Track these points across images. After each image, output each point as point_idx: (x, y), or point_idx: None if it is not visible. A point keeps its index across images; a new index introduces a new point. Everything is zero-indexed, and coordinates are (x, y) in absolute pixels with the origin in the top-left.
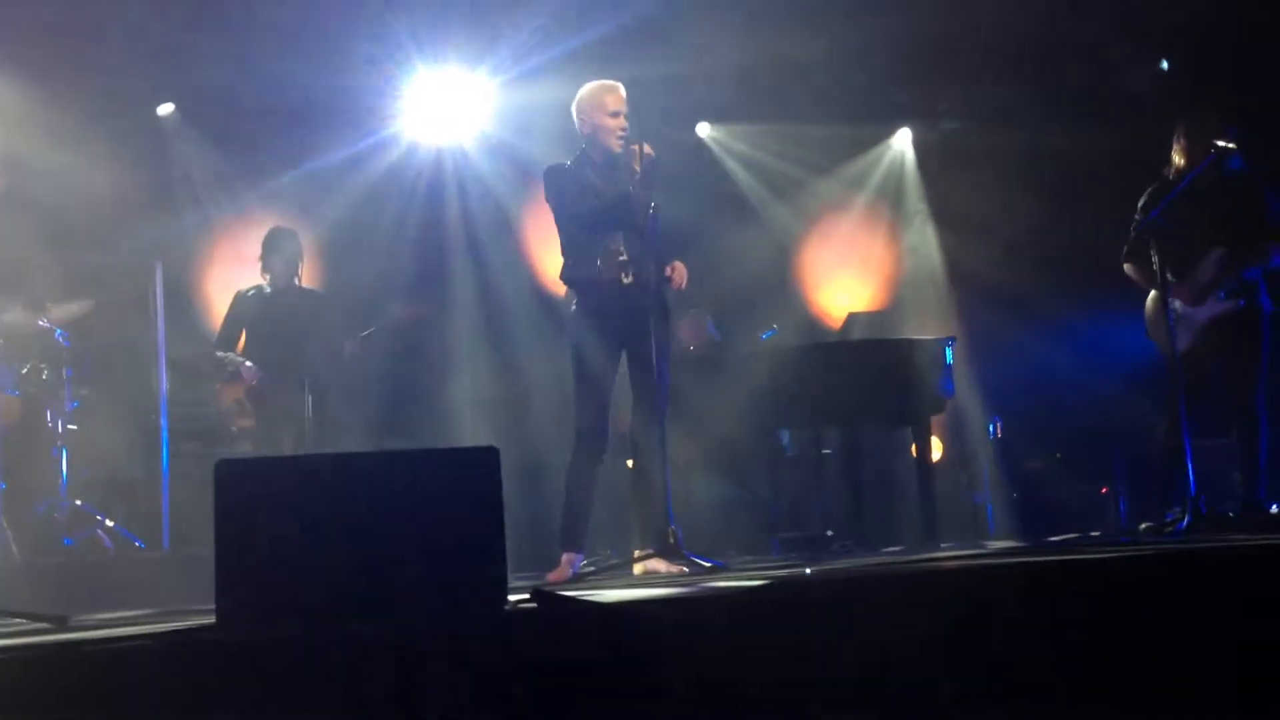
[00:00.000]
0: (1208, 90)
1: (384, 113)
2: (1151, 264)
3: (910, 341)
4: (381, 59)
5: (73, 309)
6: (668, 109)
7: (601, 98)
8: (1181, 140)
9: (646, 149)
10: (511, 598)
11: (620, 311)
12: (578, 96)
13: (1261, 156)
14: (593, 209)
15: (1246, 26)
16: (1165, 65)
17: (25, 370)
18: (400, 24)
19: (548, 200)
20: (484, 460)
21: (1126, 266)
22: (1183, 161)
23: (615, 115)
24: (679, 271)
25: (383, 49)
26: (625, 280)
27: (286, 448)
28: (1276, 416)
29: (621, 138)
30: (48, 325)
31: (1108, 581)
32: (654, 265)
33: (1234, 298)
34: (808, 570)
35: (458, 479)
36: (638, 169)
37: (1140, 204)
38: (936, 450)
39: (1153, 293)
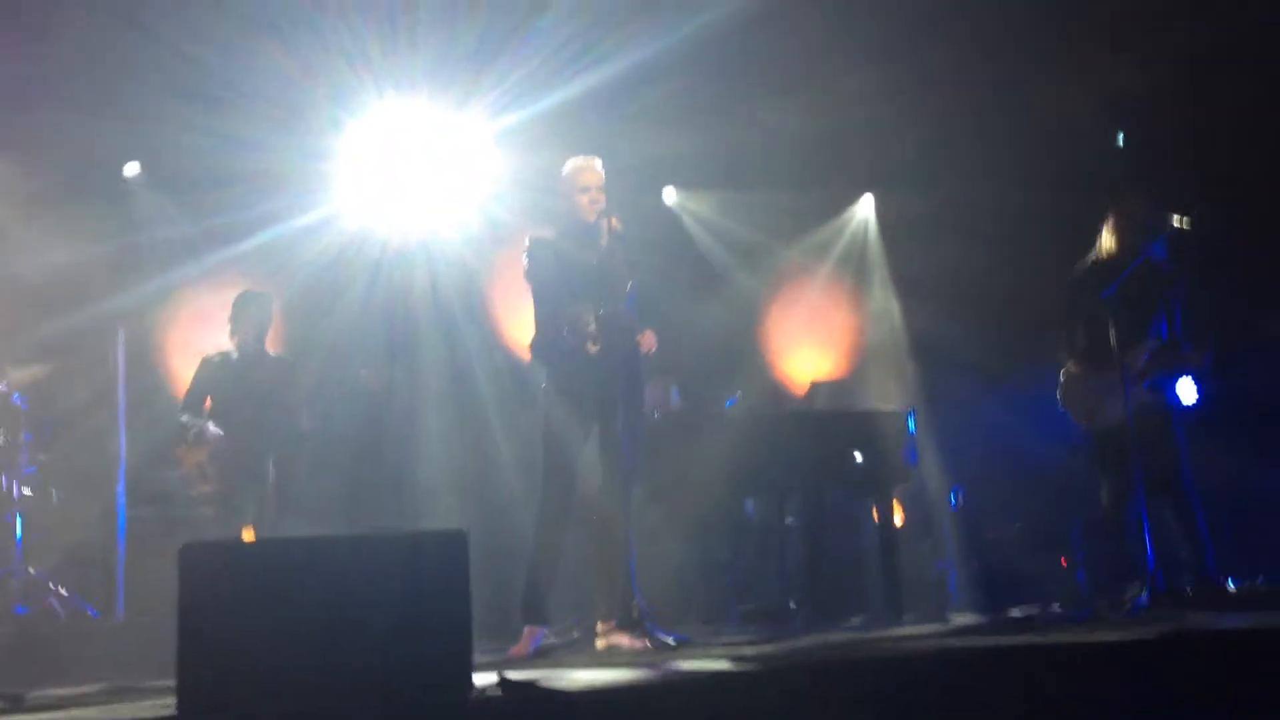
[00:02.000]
0: (1146, 173)
1: (346, 183)
2: (1097, 339)
3: (873, 412)
4: (345, 119)
5: (31, 372)
6: (635, 174)
7: (576, 175)
8: (1114, 221)
9: (614, 223)
10: (477, 679)
11: (590, 383)
12: (561, 174)
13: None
14: (562, 278)
15: (1201, 102)
16: (1120, 138)
17: None
18: (366, 88)
19: (528, 272)
20: (452, 545)
21: (1060, 337)
22: (1114, 244)
23: (585, 190)
24: (648, 338)
25: (349, 111)
26: (592, 349)
27: (248, 515)
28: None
29: (594, 210)
30: (4, 389)
31: (1069, 668)
32: (626, 337)
33: (1159, 390)
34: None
35: (425, 564)
36: (603, 243)
37: (1075, 280)
38: (899, 519)
39: (1070, 365)
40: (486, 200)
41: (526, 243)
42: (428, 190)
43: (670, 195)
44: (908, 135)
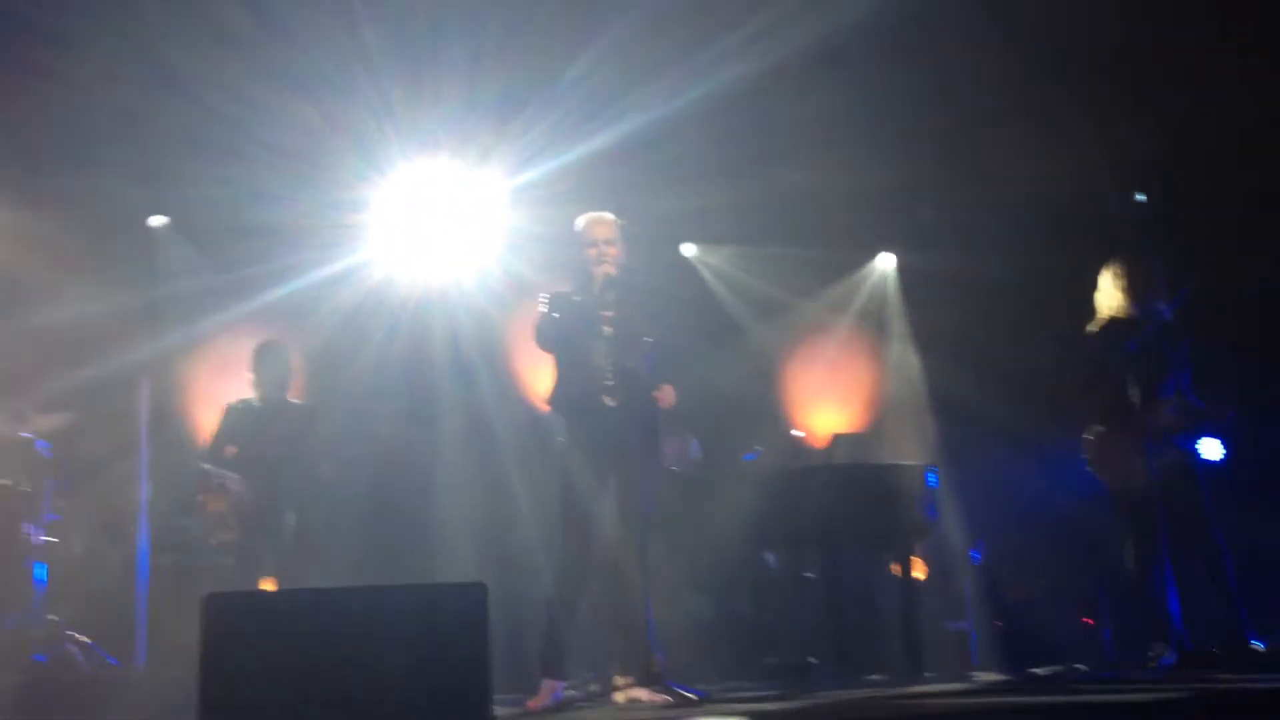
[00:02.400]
0: (1161, 233)
1: (369, 235)
2: (1120, 396)
3: (894, 466)
4: (369, 174)
5: (55, 420)
6: (654, 228)
7: (585, 229)
8: (1125, 279)
9: (605, 271)
10: None
11: (607, 436)
12: (575, 226)
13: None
14: (571, 330)
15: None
16: (1142, 198)
17: (4, 481)
18: (390, 143)
19: (538, 332)
20: (472, 597)
21: (1080, 397)
22: (1126, 301)
23: (593, 244)
24: (666, 393)
25: (373, 166)
26: (609, 403)
27: (268, 564)
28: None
29: (599, 263)
30: (30, 436)
31: None
32: (644, 390)
33: (1183, 447)
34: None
35: (446, 616)
36: (594, 291)
37: (1091, 340)
38: (919, 575)
39: (1094, 427)
40: (506, 254)
41: (541, 300)
42: (449, 244)
43: (689, 250)
44: (926, 194)
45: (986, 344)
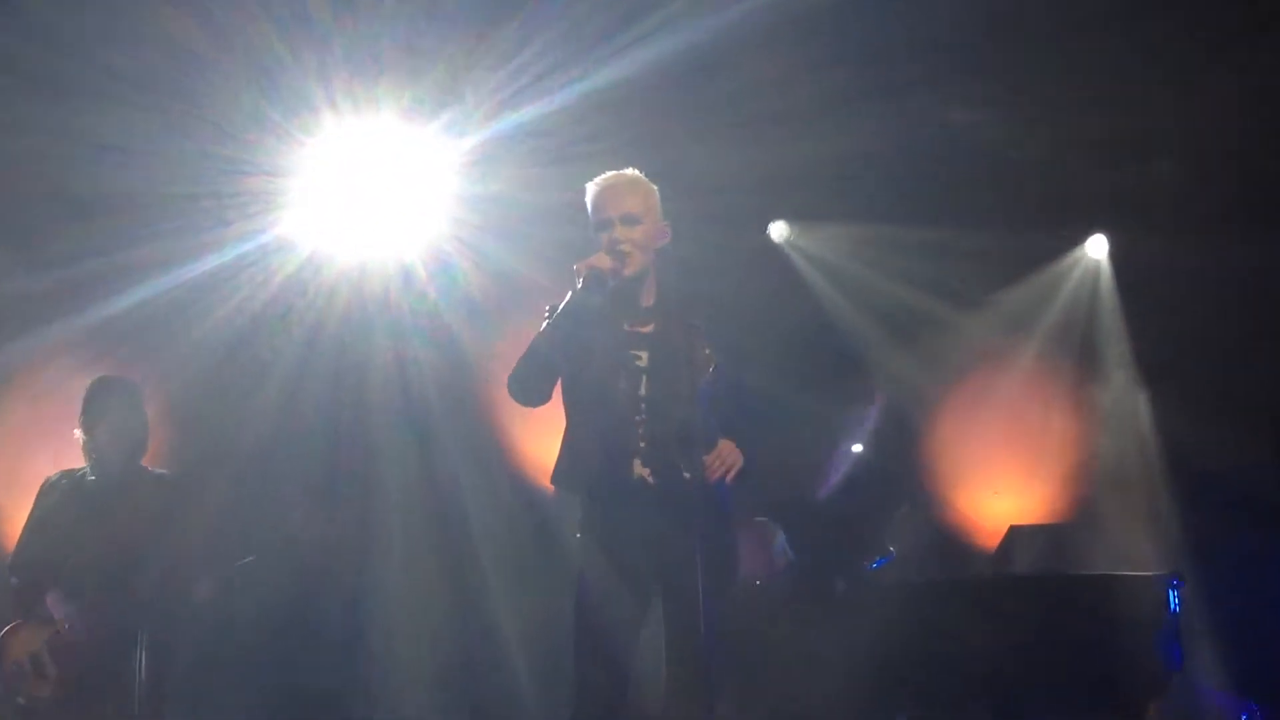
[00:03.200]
0: None
1: (277, 200)
2: None
3: (1113, 579)
4: (275, 117)
5: None
6: (721, 199)
7: (593, 202)
8: None
9: (630, 262)
10: None
11: (644, 529)
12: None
13: None
14: (584, 362)
15: None
16: None
17: None
18: (306, 65)
19: (531, 363)
20: None
21: None
22: None
23: (604, 227)
24: (724, 455)
25: (276, 101)
26: (644, 477)
27: None
28: None
29: (619, 256)
30: None
31: None
32: (699, 456)
33: None
34: None
35: None
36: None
37: None
38: None
39: None
40: (486, 242)
41: (546, 316)
42: (393, 224)
43: (779, 231)
44: (1161, 149)
45: (1255, 373)
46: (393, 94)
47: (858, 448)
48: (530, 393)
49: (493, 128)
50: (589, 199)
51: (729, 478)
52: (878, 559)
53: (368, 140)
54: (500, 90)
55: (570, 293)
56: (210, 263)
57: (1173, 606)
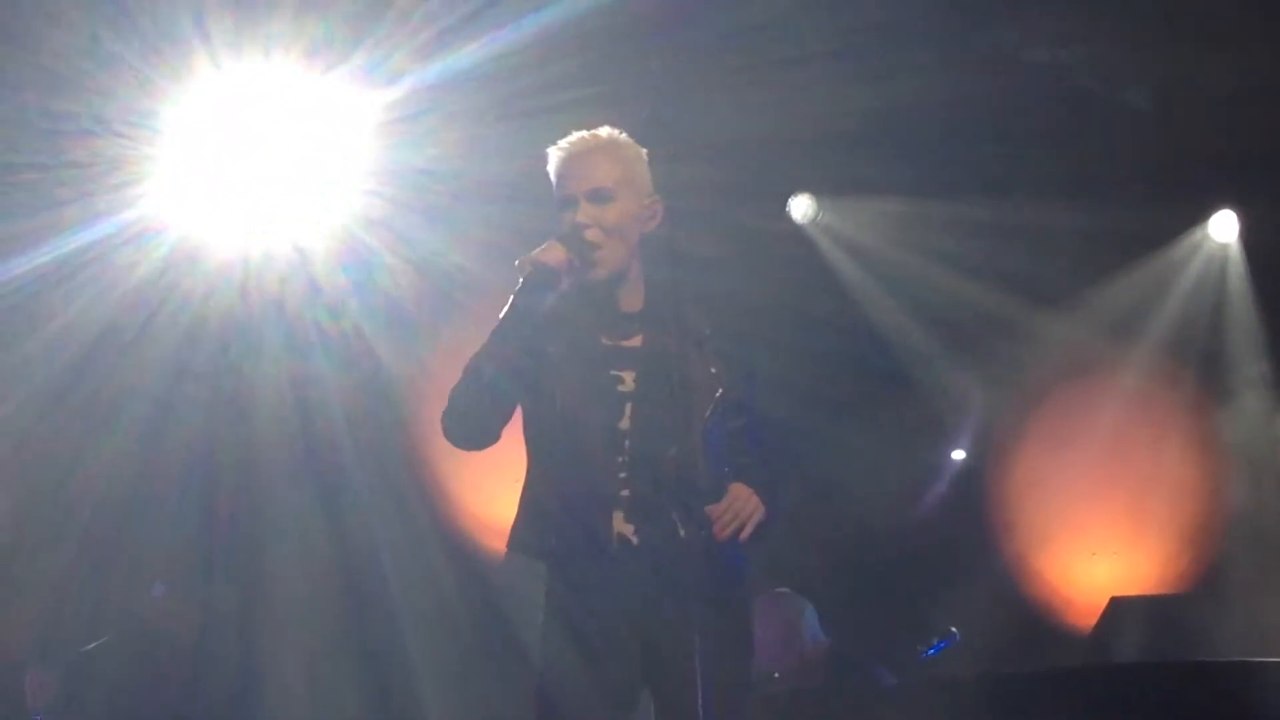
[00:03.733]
0: None
1: (132, 172)
2: None
3: (1247, 665)
4: (129, 58)
5: None
6: (728, 166)
7: (555, 173)
8: None
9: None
10: None
11: (626, 603)
12: None
13: None
14: (549, 386)
15: None
16: None
17: None
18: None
19: (468, 388)
20: None
21: None
22: None
23: (567, 204)
24: (735, 507)
25: (130, 37)
26: (628, 536)
27: None
28: None
29: (586, 247)
30: None
31: None
32: (701, 506)
33: None
34: None
35: None
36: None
37: None
38: None
39: None
40: (414, 227)
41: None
42: (288, 200)
43: (802, 207)
44: None
45: None
46: (288, 29)
47: (959, 454)
48: (472, 431)
49: (423, 74)
50: (551, 169)
51: (744, 535)
52: (936, 643)
53: (255, 91)
54: (432, 23)
55: (511, 298)
56: (38, 257)
57: None
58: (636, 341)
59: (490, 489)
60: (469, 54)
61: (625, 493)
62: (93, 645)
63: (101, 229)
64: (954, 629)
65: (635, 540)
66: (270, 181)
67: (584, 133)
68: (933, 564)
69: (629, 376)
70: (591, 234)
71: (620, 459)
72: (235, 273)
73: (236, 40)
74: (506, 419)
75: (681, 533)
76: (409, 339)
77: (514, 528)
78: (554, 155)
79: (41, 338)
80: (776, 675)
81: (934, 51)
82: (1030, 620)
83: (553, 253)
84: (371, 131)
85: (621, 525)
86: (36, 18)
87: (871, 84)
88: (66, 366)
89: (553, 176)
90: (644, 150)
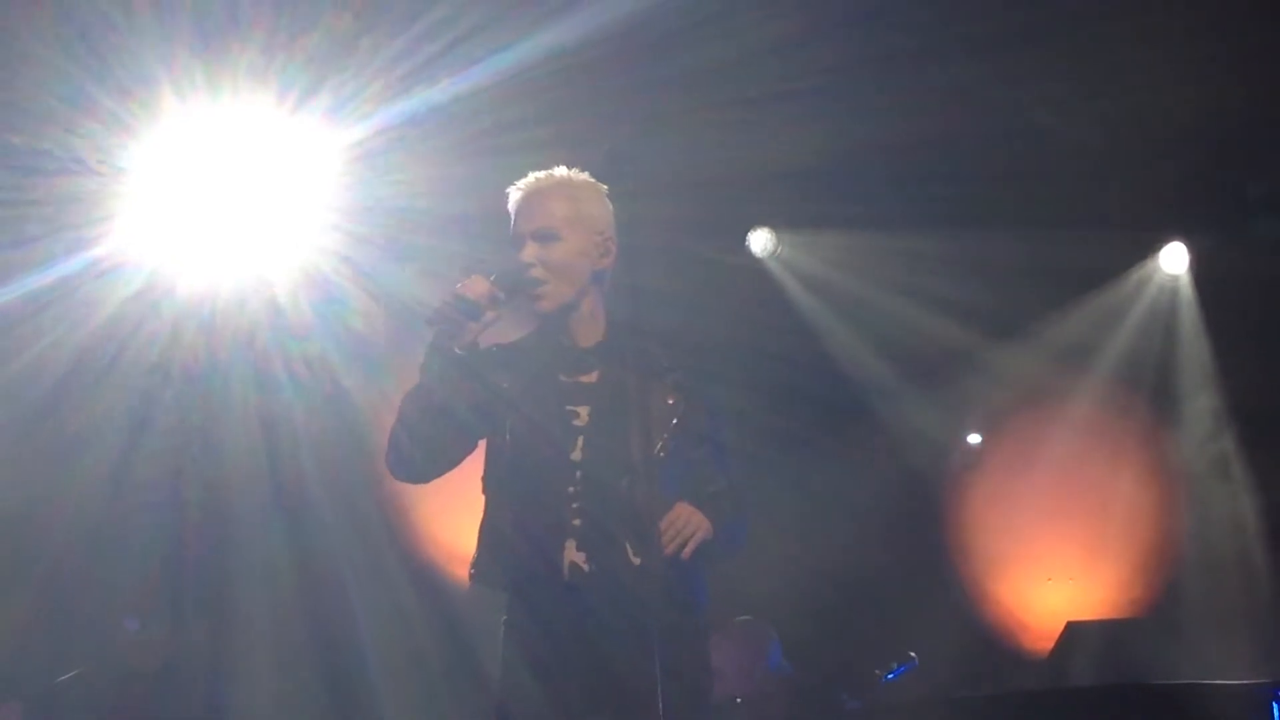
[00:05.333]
0: None
1: (100, 209)
2: None
3: (1199, 688)
4: (99, 97)
5: None
6: (688, 201)
7: (513, 213)
8: None
9: (549, 295)
10: None
11: (579, 632)
12: None
13: None
14: (503, 422)
15: None
16: None
17: None
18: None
19: (411, 423)
20: None
21: None
22: None
23: (515, 244)
24: (677, 524)
25: (101, 77)
26: (579, 564)
27: None
28: None
29: (531, 283)
30: None
31: None
32: (653, 534)
33: None
34: None
35: None
36: (579, 342)
37: None
38: None
39: None
40: (380, 263)
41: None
42: (256, 236)
43: (761, 242)
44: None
45: None
46: (257, 69)
47: (976, 439)
48: (409, 467)
49: (390, 113)
50: (509, 208)
51: (685, 552)
52: (896, 667)
53: (223, 129)
54: (398, 63)
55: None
56: (6, 294)
57: None
58: (593, 377)
59: (455, 518)
60: (434, 94)
61: (577, 522)
62: (65, 678)
63: (71, 265)
64: (913, 654)
65: (587, 569)
66: (238, 218)
67: (539, 174)
68: (891, 590)
69: (584, 411)
70: (536, 272)
71: (571, 489)
72: (203, 308)
73: (206, 79)
74: (444, 458)
75: (635, 561)
76: (373, 372)
77: (475, 558)
78: (511, 195)
79: (10, 372)
80: (738, 700)
81: (890, 90)
82: (987, 645)
83: (474, 287)
84: (338, 169)
85: (574, 554)
86: (9, 56)
87: (829, 121)
88: (35, 400)
89: (512, 216)
90: (603, 188)
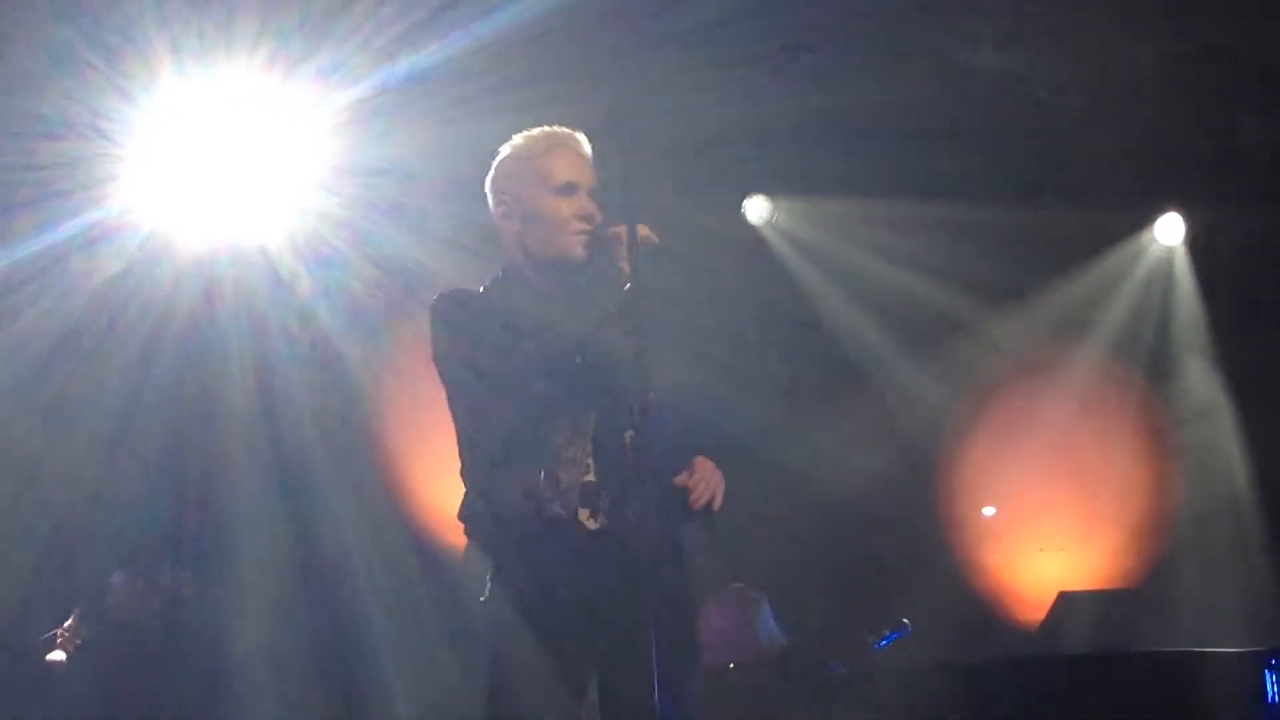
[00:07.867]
0: None
1: (96, 173)
2: None
3: (1192, 656)
4: (95, 62)
5: None
6: (683, 165)
7: (541, 163)
8: None
9: (645, 233)
10: None
11: (583, 595)
12: (495, 163)
13: None
14: (518, 372)
15: None
16: None
17: None
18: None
19: (437, 364)
20: None
21: None
22: None
23: (568, 192)
24: (702, 478)
25: (96, 42)
26: (586, 522)
27: None
28: None
29: (586, 233)
30: None
31: None
32: (660, 493)
33: None
34: None
35: None
36: (625, 270)
37: None
38: None
39: None
40: (376, 224)
41: (432, 312)
42: (251, 199)
43: (758, 209)
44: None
45: None
46: (252, 32)
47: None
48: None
49: (383, 75)
50: (543, 155)
51: (716, 504)
52: (887, 634)
53: (219, 93)
54: (391, 24)
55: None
56: (3, 258)
57: (1270, 694)
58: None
59: (452, 483)
60: (429, 55)
61: (589, 479)
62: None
63: (67, 229)
64: (906, 620)
65: (595, 526)
66: (235, 182)
67: (569, 132)
68: (885, 557)
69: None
70: (592, 213)
71: (585, 447)
72: (200, 271)
73: (201, 43)
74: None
75: (644, 523)
76: (372, 336)
77: (464, 512)
78: (547, 142)
79: (7, 337)
80: (731, 665)
81: (887, 55)
82: (981, 613)
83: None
84: (334, 131)
85: (583, 512)
86: (3, 22)
87: (825, 86)
88: (33, 364)
89: (552, 161)
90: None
